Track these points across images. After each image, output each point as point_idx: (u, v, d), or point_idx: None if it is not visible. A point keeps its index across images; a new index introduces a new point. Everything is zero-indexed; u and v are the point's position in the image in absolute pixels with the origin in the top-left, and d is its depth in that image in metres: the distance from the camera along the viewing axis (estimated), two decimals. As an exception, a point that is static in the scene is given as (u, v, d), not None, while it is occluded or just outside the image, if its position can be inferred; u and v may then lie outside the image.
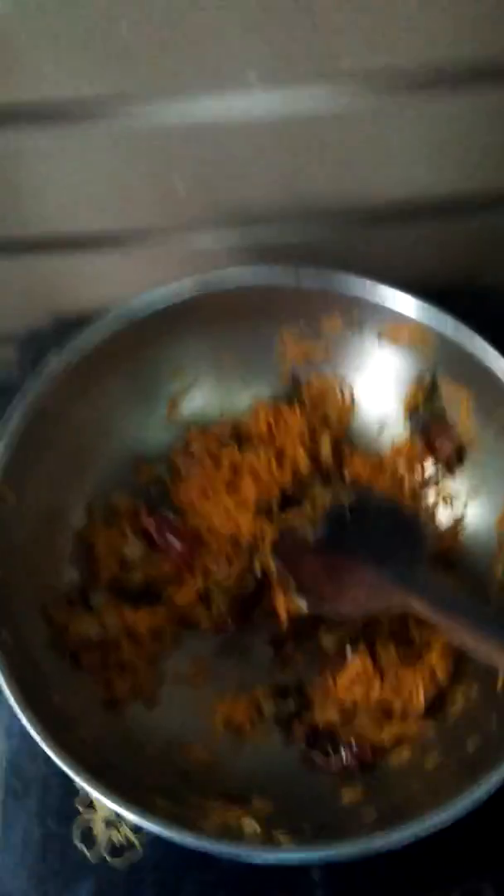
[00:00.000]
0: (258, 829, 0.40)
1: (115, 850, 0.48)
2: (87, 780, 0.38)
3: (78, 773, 0.38)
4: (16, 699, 0.39)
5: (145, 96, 0.51)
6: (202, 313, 0.54)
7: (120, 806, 0.37)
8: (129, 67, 0.49)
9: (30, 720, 0.39)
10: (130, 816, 0.37)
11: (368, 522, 0.52)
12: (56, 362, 0.51)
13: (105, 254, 0.63)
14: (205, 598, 0.54)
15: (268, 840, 0.39)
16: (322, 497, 0.54)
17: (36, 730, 0.39)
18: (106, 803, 0.37)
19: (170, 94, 0.51)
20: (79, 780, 0.38)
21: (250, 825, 0.40)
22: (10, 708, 0.47)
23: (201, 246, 0.62)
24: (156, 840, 0.47)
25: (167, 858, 0.47)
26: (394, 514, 0.52)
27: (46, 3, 0.45)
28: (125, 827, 0.48)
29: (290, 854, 0.37)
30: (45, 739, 0.38)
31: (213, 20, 0.46)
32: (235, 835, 0.39)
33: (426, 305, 0.53)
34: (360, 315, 0.55)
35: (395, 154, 0.56)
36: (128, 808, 0.37)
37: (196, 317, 0.55)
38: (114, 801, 0.38)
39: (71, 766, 0.38)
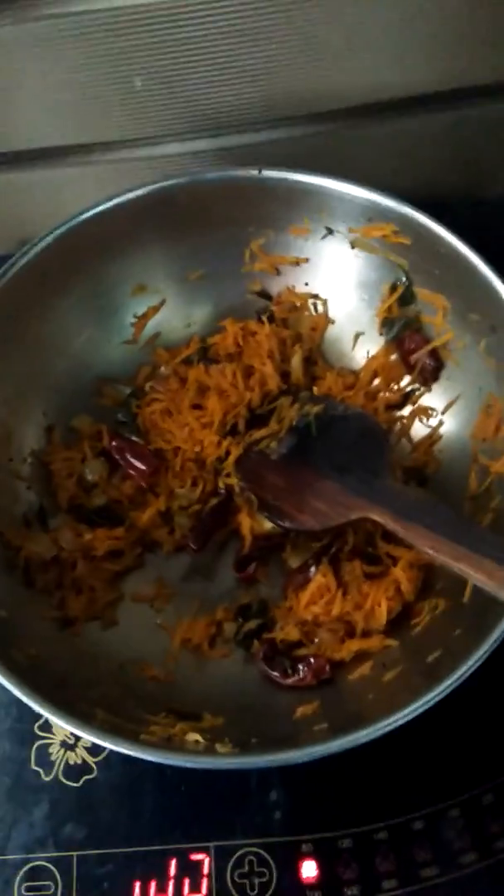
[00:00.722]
0: (200, 741, 0.38)
1: (70, 771, 0.47)
2: (23, 691, 0.36)
3: (15, 685, 0.37)
4: None
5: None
6: (164, 222, 0.52)
7: (55, 714, 0.36)
8: None
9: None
10: (66, 725, 0.36)
11: (332, 434, 0.49)
12: (9, 275, 0.49)
13: (71, 170, 0.60)
14: (168, 519, 0.52)
15: (209, 750, 0.37)
16: (289, 413, 0.52)
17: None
18: (49, 717, 0.36)
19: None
20: (14, 690, 0.37)
21: (193, 738, 0.39)
22: None
23: (168, 156, 0.59)
24: (109, 761, 0.47)
25: (122, 780, 0.46)
26: (358, 423, 0.50)
27: None
28: (81, 749, 0.47)
29: (226, 760, 0.36)
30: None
31: None
32: (177, 746, 0.38)
33: (400, 203, 0.49)
34: (329, 218, 0.52)
35: (372, 36, 0.52)
36: (62, 717, 0.36)
37: (158, 226, 0.53)
38: (49, 711, 0.36)
39: (7, 678, 0.37)
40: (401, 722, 0.36)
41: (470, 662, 0.36)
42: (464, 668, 0.36)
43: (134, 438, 0.54)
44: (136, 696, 0.43)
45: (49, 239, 0.49)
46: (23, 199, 0.63)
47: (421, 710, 0.36)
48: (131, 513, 0.52)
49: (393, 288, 0.53)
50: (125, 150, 0.59)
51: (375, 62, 0.54)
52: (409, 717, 0.36)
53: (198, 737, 0.39)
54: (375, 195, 0.49)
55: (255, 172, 0.50)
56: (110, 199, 0.50)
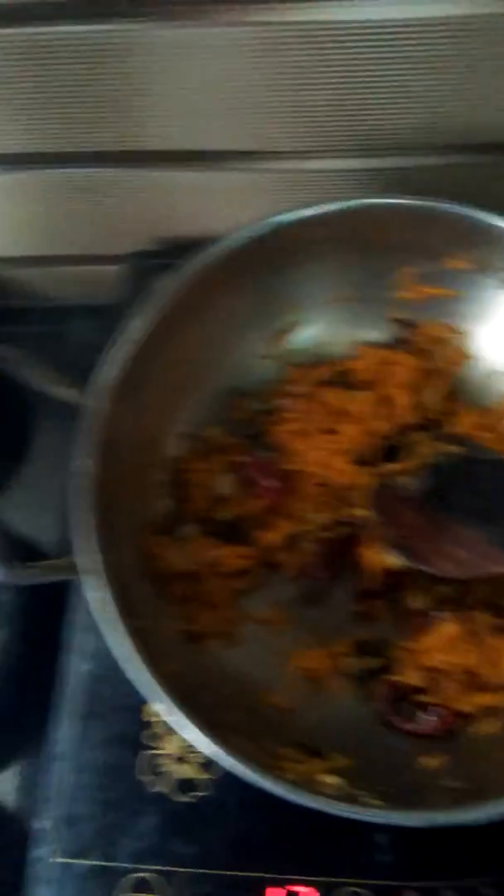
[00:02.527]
0: (339, 785, 0.38)
1: (181, 786, 0.47)
2: (172, 710, 0.37)
3: (165, 701, 0.37)
4: (109, 620, 0.38)
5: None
6: (328, 240, 0.51)
7: (205, 740, 0.36)
8: None
9: (121, 643, 0.38)
10: (212, 751, 0.36)
11: (474, 479, 0.48)
12: (167, 287, 0.49)
13: (225, 174, 0.59)
14: (292, 542, 0.52)
15: (350, 797, 0.37)
16: (426, 449, 0.51)
17: (125, 654, 0.38)
18: (190, 739, 0.36)
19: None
20: (166, 711, 0.37)
21: (329, 779, 0.38)
22: (90, 631, 0.46)
23: (327, 171, 0.58)
24: (221, 780, 0.47)
25: (231, 799, 0.46)
26: (501, 473, 0.49)
27: None
28: (193, 763, 0.47)
29: (376, 815, 0.35)
30: (133, 664, 0.37)
31: None
32: (314, 787, 0.38)
33: None
34: (493, 258, 0.51)
35: None
36: (214, 744, 0.36)
37: (311, 249, 0.52)
38: (200, 736, 0.36)
39: (160, 694, 0.37)
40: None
41: None
42: None
43: (263, 454, 0.54)
44: (263, 724, 0.43)
45: (214, 252, 0.49)
46: (168, 199, 0.62)
47: None
48: (256, 532, 0.52)
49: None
50: (285, 160, 0.58)
51: None
52: None
53: (333, 779, 0.38)
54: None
55: (421, 203, 0.49)
56: (280, 216, 0.49)
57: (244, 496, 0.53)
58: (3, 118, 0.55)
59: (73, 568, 0.40)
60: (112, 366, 0.45)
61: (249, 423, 0.56)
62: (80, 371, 0.48)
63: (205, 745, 0.36)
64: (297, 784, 0.37)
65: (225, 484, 0.52)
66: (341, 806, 0.35)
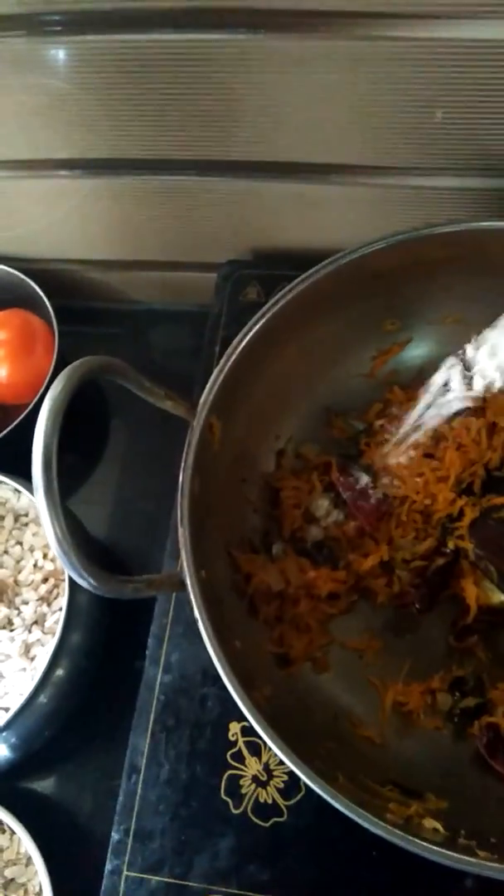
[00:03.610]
0: (441, 831, 0.36)
1: (260, 809, 0.46)
2: (275, 738, 0.35)
3: (266, 727, 0.36)
4: (210, 639, 0.37)
5: (423, 16, 0.45)
6: (446, 261, 0.49)
7: (306, 772, 0.35)
8: None
9: (223, 664, 0.36)
10: (316, 788, 0.35)
11: None
12: (278, 301, 0.47)
13: (330, 187, 0.58)
14: (387, 569, 0.50)
15: (453, 844, 0.35)
16: (534, 483, 0.49)
17: (226, 675, 0.36)
18: (292, 765, 0.35)
19: (446, 16, 0.45)
20: (266, 736, 0.35)
21: (431, 824, 0.37)
22: (171, 643, 0.45)
23: (440, 189, 0.57)
24: (301, 806, 0.45)
25: (312, 828, 0.45)
26: None
27: None
28: (273, 788, 0.46)
29: (489, 868, 0.33)
30: (235, 686, 0.36)
31: None
32: (416, 831, 0.36)
33: None
34: None
35: None
36: (313, 778, 0.35)
37: (431, 267, 0.50)
38: (300, 766, 0.35)
39: (259, 721, 0.36)
40: None
41: None
42: None
43: (361, 475, 0.52)
44: (358, 758, 0.42)
45: (331, 266, 0.48)
46: (270, 209, 0.61)
47: None
48: (350, 556, 0.50)
49: None
50: (397, 176, 0.57)
51: None
52: None
53: (437, 825, 0.36)
54: None
55: None
56: (404, 233, 0.48)
57: (337, 517, 0.51)
58: (115, 125, 0.55)
59: (173, 583, 0.39)
60: (215, 380, 0.45)
61: (348, 442, 0.54)
62: (167, 375, 0.47)
63: (307, 775, 0.35)
64: (399, 827, 0.35)
65: (318, 503, 0.51)
66: (447, 855, 0.33)
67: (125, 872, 0.45)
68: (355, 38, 0.47)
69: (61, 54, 0.49)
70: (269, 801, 0.46)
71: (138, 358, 0.68)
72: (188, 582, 0.39)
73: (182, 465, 0.42)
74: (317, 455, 0.53)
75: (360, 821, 0.34)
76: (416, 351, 0.55)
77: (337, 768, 0.38)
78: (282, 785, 0.46)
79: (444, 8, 0.44)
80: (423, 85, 0.49)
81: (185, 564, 0.39)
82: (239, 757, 0.47)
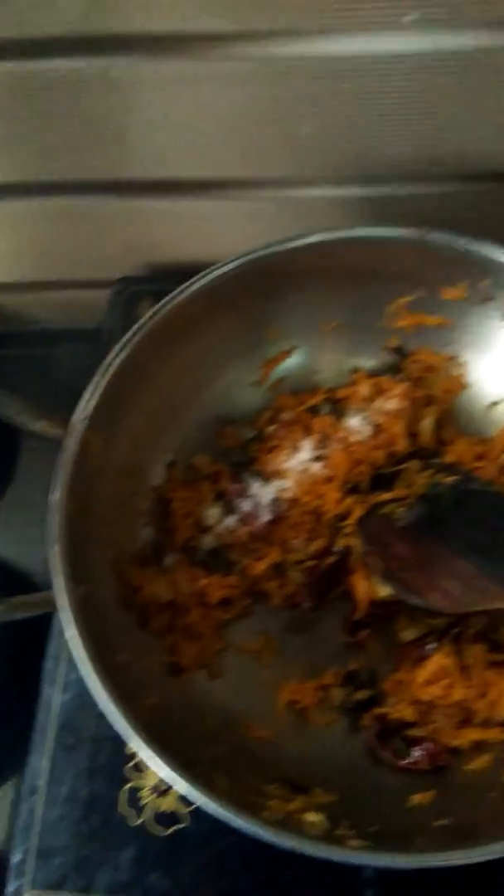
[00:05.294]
0: (322, 823, 0.37)
1: (161, 819, 0.46)
2: (150, 749, 0.36)
3: (139, 739, 0.36)
4: (82, 656, 0.37)
5: (280, 33, 0.46)
6: (314, 273, 0.51)
7: (180, 779, 0.35)
8: (274, 4, 0.44)
9: (93, 680, 0.37)
10: (190, 792, 0.35)
11: (468, 511, 0.48)
12: (157, 313, 0.48)
13: (212, 203, 0.60)
14: (280, 571, 0.51)
15: (332, 836, 0.36)
16: (418, 479, 0.51)
17: (98, 691, 0.37)
18: (163, 775, 0.35)
19: (307, 33, 0.46)
20: (140, 749, 0.36)
21: (313, 817, 0.37)
22: (69, 662, 0.46)
23: (318, 199, 0.58)
24: (201, 813, 0.45)
25: (213, 833, 0.45)
26: (497, 502, 0.48)
27: None
28: (173, 796, 0.46)
29: (358, 857, 0.34)
30: (107, 701, 0.36)
31: None
32: (297, 826, 0.37)
33: None
34: (490, 288, 0.50)
35: None
36: (188, 783, 0.35)
37: (304, 277, 0.52)
38: (174, 774, 0.35)
39: (133, 732, 0.36)
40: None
41: None
42: None
43: (251, 481, 0.53)
44: (247, 759, 0.42)
45: (206, 279, 0.49)
46: (159, 226, 0.62)
47: None
48: (244, 561, 0.51)
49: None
50: (273, 189, 0.58)
51: None
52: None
53: (318, 817, 0.37)
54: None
55: (421, 233, 0.49)
56: (272, 244, 0.49)
57: (230, 524, 0.52)
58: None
59: (47, 603, 0.39)
60: (91, 397, 0.45)
61: (239, 450, 0.55)
62: (68, 394, 0.47)
63: (178, 783, 0.35)
64: (277, 824, 0.35)
65: (209, 512, 0.52)
66: (323, 847, 0.34)
67: (27, 892, 0.45)
68: (221, 59, 0.48)
69: None
70: (169, 811, 0.46)
71: (42, 380, 0.68)
72: (61, 600, 0.39)
73: (53, 483, 0.42)
74: (208, 465, 0.54)
75: (229, 819, 0.34)
76: (302, 358, 0.56)
77: (217, 771, 0.38)
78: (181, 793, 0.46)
79: (303, 24, 0.46)
80: (289, 100, 0.51)
81: (58, 584, 0.40)
82: (138, 768, 0.47)
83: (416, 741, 0.44)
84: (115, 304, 0.64)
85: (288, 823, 0.37)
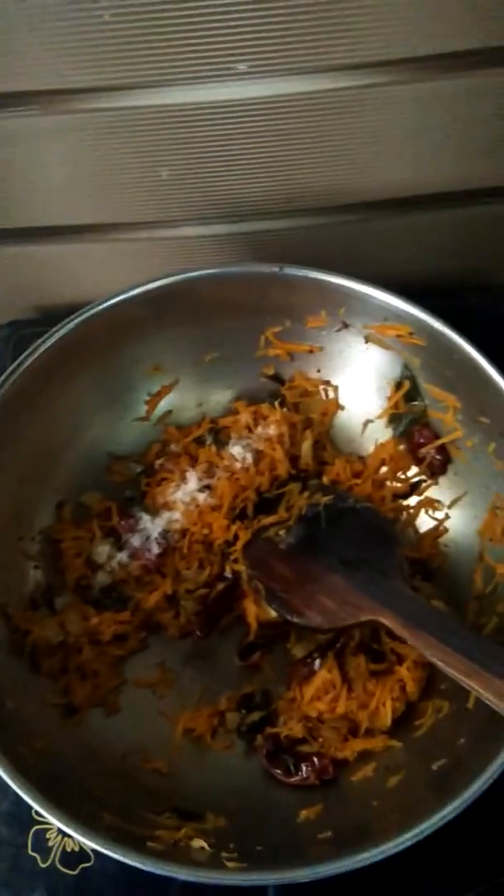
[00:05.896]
0: (206, 849, 0.38)
1: (69, 858, 0.46)
2: (31, 795, 0.36)
3: (22, 786, 0.37)
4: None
5: (131, 86, 0.48)
6: (184, 309, 0.53)
7: (63, 822, 0.36)
8: (117, 59, 0.46)
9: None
10: (74, 833, 0.36)
11: (342, 527, 0.50)
12: (32, 354, 0.49)
13: (90, 245, 0.61)
14: (173, 602, 0.52)
15: (215, 861, 0.37)
16: (298, 501, 0.53)
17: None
18: (49, 818, 0.36)
19: (156, 85, 0.48)
20: (23, 794, 0.36)
21: (198, 844, 0.39)
22: None
23: (188, 238, 0.60)
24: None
25: (119, 869, 0.45)
26: (368, 518, 0.50)
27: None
28: (79, 836, 0.47)
29: (234, 877, 0.36)
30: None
31: (204, 16, 0.44)
32: (182, 854, 0.38)
33: (414, 307, 0.51)
34: (347, 314, 0.53)
35: (391, 141, 0.54)
36: (71, 825, 0.36)
37: (177, 313, 0.54)
38: (58, 817, 0.36)
39: (16, 779, 0.37)
40: (405, 845, 0.36)
41: (475, 786, 0.37)
42: (468, 793, 0.36)
43: (142, 515, 0.54)
44: (140, 792, 0.43)
45: (75, 322, 0.50)
46: (43, 270, 0.64)
47: (425, 834, 0.36)
48: (137, 594, 0.52)
49: (398, 385, 0.55)
50: (146, 230, 0.60)
51: (392, 164, 0.56)
52: (413, 840, 0.36)
53: (203, 843, 0.38)
54: (393, 298, 0.51)
55: (276, 269, 0.51)
56: (136, 286, 0.51)
57: (122, 559, 0.53)
58: None
59: None
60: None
61: (128, 485, 0.56)
62: None
63: (64, 824, 0.36)
64: (162, 853, 0.37)
65: (100, 549, 0.53)
66: (201, 873, 0.35)
67: None
68: (85, 112, 0.50)
69: None
70: (76, 849, 0.47)
71: None
72: None
73: None
74: (98, 501, 0.55)
75: (115, 855, 0.35)
76: (185, 391, 0.58)
77: (106, 807, 0.39)
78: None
79: (153, 78, 0.48)
80: (148, 147, 0.53)
81: None
82: None
83: (305, 757, 0.46)
84: (5, 347, 0.65)
85: (175, 851, 0.38)
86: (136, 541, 0.53)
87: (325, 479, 0.55)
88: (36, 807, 0.36)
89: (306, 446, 0.56)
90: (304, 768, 0.45)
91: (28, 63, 0.46)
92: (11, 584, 0.49)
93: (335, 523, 0.50)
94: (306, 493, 0.53)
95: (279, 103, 0.50)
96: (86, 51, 0.46)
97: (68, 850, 0.47)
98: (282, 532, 0.51)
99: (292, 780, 0.45)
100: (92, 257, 0.62)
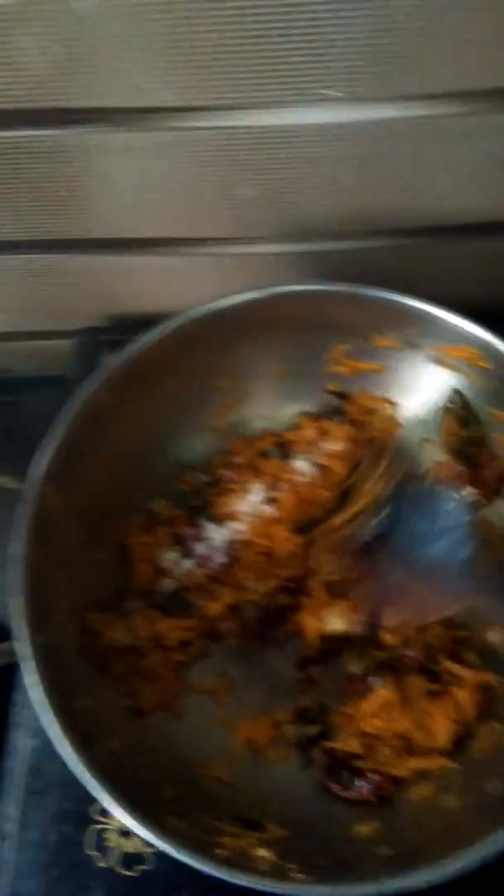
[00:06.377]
0: (271, 858, 0.39)
1: (128, 859, 0.48)
2: (105, 793, 0.38)
3: (95, 784, 0.38)
4: (41, 703, 0.39)
5: (222, 107, 0.50)
6: (260, 325, 0.54)
7: (134, 822, 0.38)
8: (211, 81, 0.47)
9: (53, 726, 0.39)
10: (144, 834, 0.37)
11: (416, 521, 0.49)
12: (111, 366, 0.51)
13: (163, 258, 0.63)
14: (235, 611, 0.54)
15: (280, 871, 0.38)
16: (373, 488, 0.52)
17: (58, 736, 0.39)
18: (120, 818, 0.37)
19: (245, 107, 0.50)
20: (95, 792, 0.38)
21: (263, 853, 0.40)
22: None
23: (261, 255, 0.62)
24: (164, 853, 0.47)
25: (177, 872, 0.47)
26: (444, 508, 0.49)
27: (132, 10, 0.44)
28: (138, 838, 0.48)
29: (301, 890, 0.37)
30: (66, 747, 0.38)
31: (298, 40, 0.45)
32: (247, 862, 0.39)
33: (485, 330, 0.51)
34: (416, 336, 0.54)
35: (467, 169, 0.55)
36: (142, 826, 0.37)
37: (254, 328, 0.55)
38: (128, 817, 0.38)
39: (89, 776, 0.38)
40: (465, 870, 0.36)
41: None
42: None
43: (207, 525, 0.56)
44: (202, 798, 0.45)
45: (157, 333, 0.52)
46: (117, 280, 0.65)
47: (484, 860, 0.37)
48: (200, 602, 0.53)
49: (461, 406, 0.55)
50: (218, 246, 0.61)
51: (465, 191, 0.56)
52: (473, 867, 0.37)
53: (266, 853, 0.40)
54: (464, 321, 0.51)
55: (352, 289, 0.52)
56: (221, 299, 0.52)
57: (187, 567, 0.54)
58: None
59: (5, 653, 0.41)
60: (48, 448, 0.47)
61: (195, 494, 0.58)
62: (31, 441, 0.49)
63: (135, 826, 0.37)
64: (228, 861, 0.38)
65: (167, 556, 0.54)
66: (267, 882, 0.36)
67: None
68: (170, 130, 0.51)
69: None
70: (136, 851, 0.48)
71: (11, 426, 0.70)
72: (22, 650, 0.41)
73: (14, 535, 0.44)
74: (166, 509, 0.56)
75: (183, 858, 0.37)
76: (253, 403, 0.59)
77: (172, 812, 0.40)
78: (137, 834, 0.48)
79: (242, 99, 0.49)
80: (230, 167, 0.54)
81: (20, 633, 0.42)
82: (104, 811, 0.49)
83: (361, 773, 0.47)
84: (80, 353, 0.66)
85: (239, 859, 0.39)
86: (201, 549, 0.55)
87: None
88: (108, 805, 0.38)
89: (368, 462, 0.57)
90: (360, 783, 0.46)
91: (118, 81, 0.47)
92: (84, 587, 0.50)
93: (409, 518, 0.50)
94: (382, 477, 0.52)
95: (365, 128, 0.50)
96: (179, 72, 0.47)
97: (127, 850, 0.48)
98: (354, 530, 0.51)
99: (349, 794, 0.46)
100: (164, 270, 0.64)
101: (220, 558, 0.54)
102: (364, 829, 0.44)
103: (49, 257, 0.63)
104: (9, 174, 0.54)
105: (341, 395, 0.59)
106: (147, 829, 0.37)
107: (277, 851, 0.40)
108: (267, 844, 0.41)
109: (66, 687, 0.43)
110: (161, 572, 0.54)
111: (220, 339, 0.55)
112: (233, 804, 0.45)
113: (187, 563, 0.55)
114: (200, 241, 0.60)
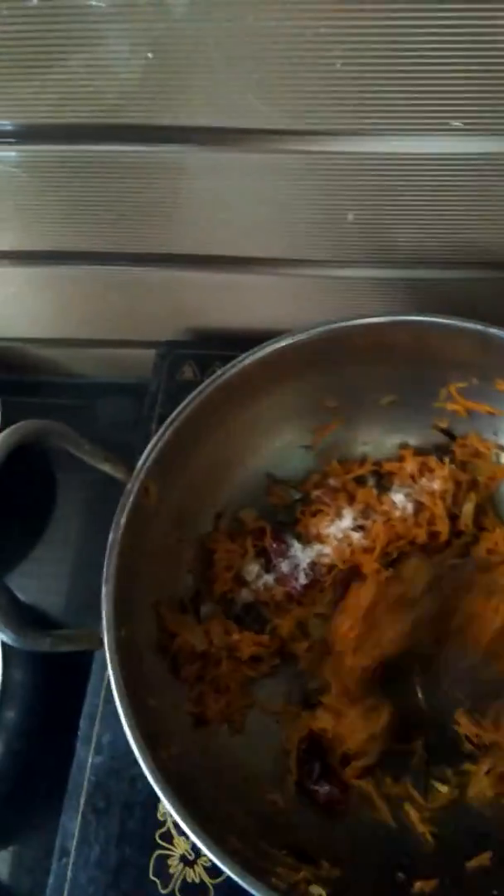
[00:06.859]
0: (324, 896, 0.38)
1: (188, 888, 0.46)
2: (170, 802, 0.37)
3: (167, 793, 0.37)
4: (121, 697, 0.39)
5: (340, 133, 0.48)
6: (374, 351, 0.53)
7: (196, 834, 0.36)
8: (335, 106, 0.46)
9: (130, 723, 0.38)
10: (206, 849, 0.36)
11: None
12: (217, 378, 0.50)
13: (254, 277, 0.62)
14: (304, 631, 0.52)
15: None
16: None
17: (131, 730, 0.38)
18: (186, 831, 0.36)
19: (364, 134, 0.48)
20: (167, 802, 0.37)
21: (317, 891, 0.38)
22: (103, 722, 0.46)
23: (351, 278, 0.60)
24: (227, 883, 0.45)
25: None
26: None
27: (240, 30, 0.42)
28: (200, 867, 0.46)
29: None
30: (140, 748, 0.38)
31: (429, 68, 0.44)
32: (301, 896, 0.37)
33: None
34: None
35: None
36: (203, 840, 0.36)
37: (367, 353, 0.53)
38: (195, 833, 0.36)
39: (156, 779, 0.38)
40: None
41: None
42: None
43: (293, 542, 0.55)
44: (259, 821, 0.43)
45: (266, 350, 0.51)
46: (204, 295, 0.65)
47: None
48: (276, 620, 0.52)
49: None
50: (313, 268, 0.60)
51: None
52: None
53: (321, 891, 0.38)
54: None
55: (481, 327, 0.50)
56: (333, 322, 0.51)
57: (267, 581, 0.53)
58: (61, 220, 0.58)
59: (88, 639, 0.41)
60: (154, 447, 0.47)
61: (285, 509, 0.57)
62: (107, 443, 0.49)
63: (206, 849, 0.36)
64: (284, 892, 0.36)
65: (249, 567, 0.53)
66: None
67: None
68: (270, 152, 0.50)
69: (13, 156, 0.52)
70: (197, 881, 0.46)
71: (82, 428, 0.71)
72: (105, 638, 0.41)
73: (114, 523, 0.44)
74: (254, 520, 0.56)
75: (242, 883, 0.35)
76: (353, 428, 0.58)
77: (231, 831, 0.39)
78: (209, 863, 0.46)
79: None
80: (334, 191, 0.53)
81: (104, 621, 0.41)
82: (167, 837, 0.47)
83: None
84: (159, 366, 0.66)
85: (292, 893, 0.37)
86: (284, 567, 0.54)
87: (481, 546, 0.54)
88: (175, 816, 0.37)
89: (468, 508, 0.55)
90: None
91: (233, 102, 0.47)
92: (167, 584, 0.50)
93: None
94: None
95: (482, 160, 0.49)
96: (303, 97, 0.46)
97: (189, 880, 0.46)
98: None
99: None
100: (254, 289, 0.63)
101: (303, 579, 0.53)
102: (423, 885, 0.42)
103: (135, 270, 0.62)
104: (105, 188, 0.54)
105: (449, 434, 0.58)
106: (207, 843, 0.36)
107: (331, 892, 0.39)
108: (321, 882, 0.39)
109: (140, 682, 0.42)
110: (241, 582, 0.54)
111: (327, 360, 0.54)
112: (287, 834, 0.43)
113: (269, 578, 0.54)
114: (298, 262, 0.59)
